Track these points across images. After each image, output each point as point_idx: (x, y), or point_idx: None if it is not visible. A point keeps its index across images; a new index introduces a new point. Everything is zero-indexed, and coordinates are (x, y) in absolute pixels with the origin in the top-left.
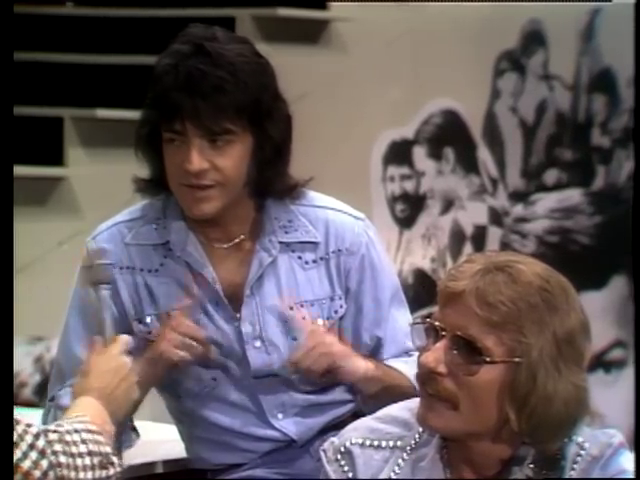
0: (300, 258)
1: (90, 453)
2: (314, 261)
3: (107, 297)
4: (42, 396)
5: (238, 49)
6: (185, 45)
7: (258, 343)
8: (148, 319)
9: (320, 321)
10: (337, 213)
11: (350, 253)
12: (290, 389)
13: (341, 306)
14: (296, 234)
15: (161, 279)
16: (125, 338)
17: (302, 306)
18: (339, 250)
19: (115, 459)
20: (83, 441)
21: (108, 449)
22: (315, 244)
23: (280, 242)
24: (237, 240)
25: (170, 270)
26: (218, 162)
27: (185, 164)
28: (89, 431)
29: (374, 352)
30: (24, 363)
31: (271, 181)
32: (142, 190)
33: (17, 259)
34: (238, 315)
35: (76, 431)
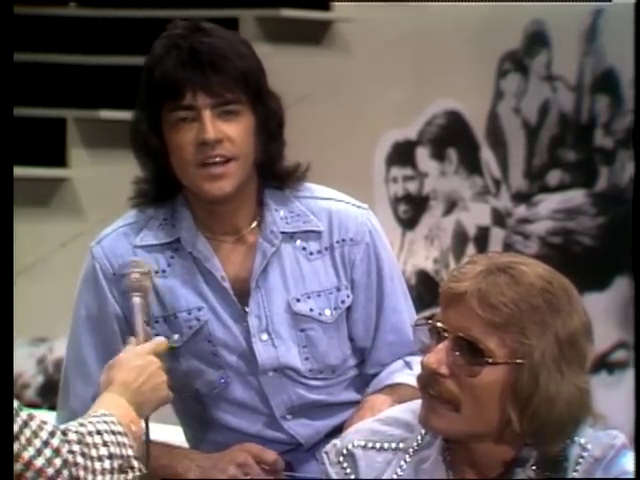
0: (304, 249)
1: (111, 456)
2: (319, 251)
3: (138, 303)
4: (45, 397)
5: (228, 31)
6: (177, 29)
7: (265, 336)
8: (155, 321)
9: (327, 312)
10: (339, 203)
11: (355, 243)
12: (299, 389)
13: (348, 296)
14: (298, 224)
15: (168, 280)
16: (161, 340)
17: (309, 297)
18: (343, 240)
19: (136, 463)
20: (105, 443)
21: (130, 452)
22: (318, 234)
23: (282, 232)
24: (241, 234)
25: (178, 270)
26: (230, 132)
27: (200, 135)
28: (113, 432)
29: (374, 340)
30: (27, 364)
31: (276, 157)
32: (143, 200)
33: (20, 260)
34: (245, 309)
35: (99, 432)
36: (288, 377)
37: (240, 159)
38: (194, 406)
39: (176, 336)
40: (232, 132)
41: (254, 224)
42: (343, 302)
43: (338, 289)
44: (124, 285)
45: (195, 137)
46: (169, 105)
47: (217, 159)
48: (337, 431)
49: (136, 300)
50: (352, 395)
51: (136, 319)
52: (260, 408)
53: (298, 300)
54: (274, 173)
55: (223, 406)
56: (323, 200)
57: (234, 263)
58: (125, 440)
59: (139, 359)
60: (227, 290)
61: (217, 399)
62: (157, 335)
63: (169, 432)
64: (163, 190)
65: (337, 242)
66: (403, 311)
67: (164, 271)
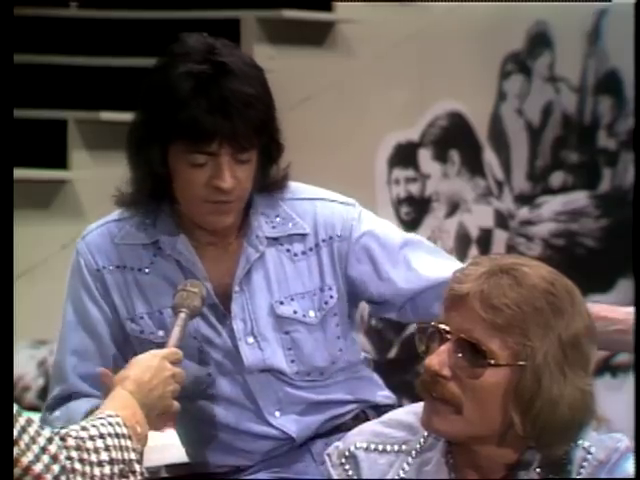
0: (289, 251)
1: (112, 461)
2: (303, 252)
3: (182, 318)
4: (46, 400)
5: (240, 57)
6: (204, 65)
7: (251, 339)
8: (140, 318)
9: (311, 313)
10: (325, 203)
11: (343, 239)
12: (286, 386)
13: (331, 297)
14: (283, 228)
15: (152, 277)
16: (177, 351)
17: (292, 299)
18: (330, 238)
19: (137, 467)
20: (106, 448)
21: (133, 456)
22: (303, 236)
23: (267, 237)
24: (227, 240)
25: (160, 268)
26: (240, 176)
27: (216, 182)
28: (117, 435)
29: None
30: (28, 367)
31: (273, 174)
32: (130, 204)
33: (21, 262)
34: (229, 313)
35: (101, 436)
36: (275, 377)
37: (244, 197)
38: (183, 402)
39: (161, 332)
40: (241, 175)
41: (240, 229)
42: (326, 303)
43: (322, 290)
44: (182, 301)
45: (209, 180)
46: (187, 146)
47: (227, 200)
48: (331, 430)
49: (181, 315)
50: (342, 395)
51: (172, 332)
52: (247, 405)
53: (281, 303)
54: (267, 183)
55: (211, 402)
56: (308, 201)
57: (217, 267)
58: (128, 443)
59: (155, 360)
60: (209, 291)
61: (205, 395)
62: (142, 332)
63: (166, 435)
64: (152, 200)
65: (323, 241)
66: (421, 259)
67: (147, 268)
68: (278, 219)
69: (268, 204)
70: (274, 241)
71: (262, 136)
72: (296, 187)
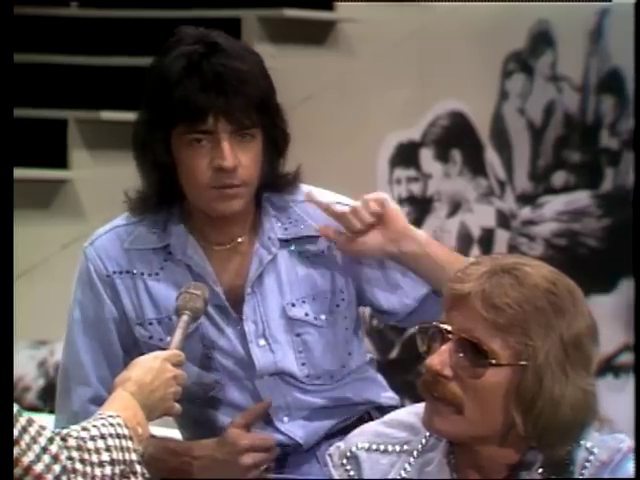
0: (300, 253)
1: (112, 462)
2: (315, 255)
3: (184, 320)
4: (46, 400)
5: (235, 42)
6: (195, 45)
7: (262, 342)
8: (149, 323)
9: (323, 316)
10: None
11: None
12: (295, 391)
13: (342, 299)
14: (295, 230)
15: (162, 282)
16: (179, 353)
17: (304, 302)
18: None
19: (139, 468)
20: (107, 448)
21: (134, 457)
22: (315, 238)
23: (279, 239)
24: (237, 241)
25: (171, 273)
26: (243, 159)
27: (217, 161)
28: (117, 436)
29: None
30: (27, 367)
31: (280, 170)
32: (140, 208)
33: (21, 262)
34: (240, 316)
35: (102, 437)
36: (284, 381)
37: (250, 184)
38: (190, 408)
39: (169, 338)
40: (246, 159)
41: (251, 230)
42: (338, 306)
43: (333, 292)
44: (187, 304)
45: (211, 162)
46: (186, 127)
47: (231, 184)
48: (336, 432)
49: (183, 317)
50: (350, 398)
51: (175, 334)
52: None
53: (293, 305)
54: (275, 181)
55: (219, 408)
56: None
57: (229, 270)
58: (129, 444)
59: (157, 362)
60: (219, 295)
61: (213, 401)
62: (151, 337)
63: (170, 436)
64: (162, 200)
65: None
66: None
67: (157, 274)
68: (290, 221)
69: (279, 206)
70: (286, 243)
71: (261, 115)
72: (304, 189)
